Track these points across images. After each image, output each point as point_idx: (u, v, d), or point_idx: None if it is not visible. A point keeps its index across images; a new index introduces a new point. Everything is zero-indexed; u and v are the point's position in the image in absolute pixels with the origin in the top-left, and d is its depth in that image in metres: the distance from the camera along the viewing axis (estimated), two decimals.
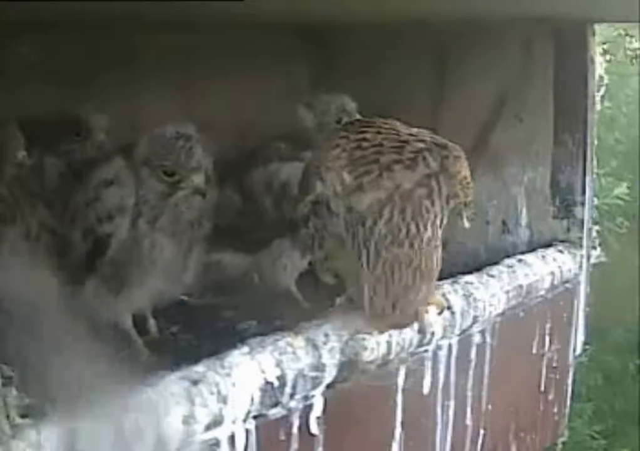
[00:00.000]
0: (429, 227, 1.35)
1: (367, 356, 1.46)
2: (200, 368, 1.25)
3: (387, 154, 1.40)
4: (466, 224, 1.53)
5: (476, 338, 1.75)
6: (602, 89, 2.45)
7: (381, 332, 1.44)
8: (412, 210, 1.34)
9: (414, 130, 1.48)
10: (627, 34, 4.84)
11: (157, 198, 1.56)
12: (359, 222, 1.34)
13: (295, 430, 1.36)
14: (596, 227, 2.31)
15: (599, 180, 3.72)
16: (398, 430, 1.57)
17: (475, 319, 1.72)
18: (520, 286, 1.86)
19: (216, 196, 1.66)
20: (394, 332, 1.50)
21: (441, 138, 1.48)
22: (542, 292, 1.96)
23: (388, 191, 1.35)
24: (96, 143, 1.82)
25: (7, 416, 1.04)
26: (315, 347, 1.40)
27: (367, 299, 1.33)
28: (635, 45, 4.93)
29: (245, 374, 1.28)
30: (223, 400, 1.23)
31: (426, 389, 1.63)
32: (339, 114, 1.87)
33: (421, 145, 1.42)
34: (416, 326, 1.53)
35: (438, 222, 1.37)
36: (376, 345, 1.47)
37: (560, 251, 2.07)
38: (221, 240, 1.76)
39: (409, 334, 1.55)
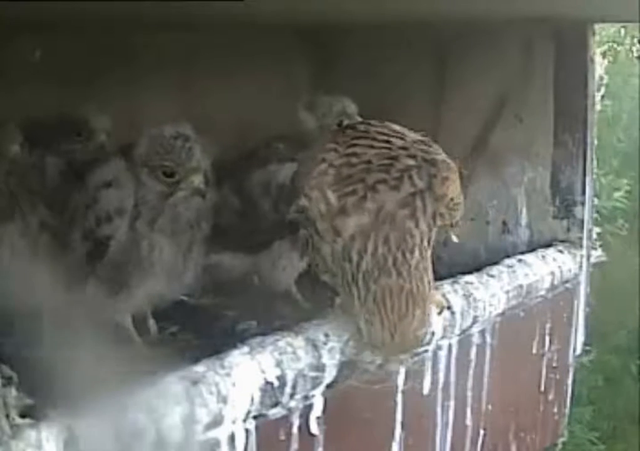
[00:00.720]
0: (415, 251, 1.35)
1: (367, 356, 1.46)
2: (200, 368, 1.25)
3: (374, 172, 1.39)
4: (455, 239, 1.53)
5: (476, 338, 1.75)
6: (603, 89, 2.46)
7: (386, 360, 1.42)
8: (396, 236, 1.34)
9: (410, 138, 1.47)
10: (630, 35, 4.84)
11: (156, 198, 1.56)
12: (345, 257, 1.35)
13: (295, 430, 1.36)
14: (596, 228, 2.31)
15: (599, 180, 3.72)
16: (398, 430, 1.57)
17: (475, 319, 1.72)
18: (520, 286, 1.86)
19: (215, 197, 1.66)
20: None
21: (436, 151, 1.47)
22: (542, 292, 1.95)
23: (371, 215, 1.35)
24: (97, 143, 1.82)
25: (7, 416, 1.04)
26: (315, 347, 1.40)
27: (366, 331, 1.35)
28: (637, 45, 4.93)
29: (245, 374, 1.28)
30: (223, 400, 1.23)
31: (426, 390, 1.63)
32: (339, 117, 1.87)
33: (410, 162, 1.41)
34: None
35: (426, 242, 1.37)
36: None
37: (560, 251, 2.07)
38: (221, 241, 1.76)
39: None
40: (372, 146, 1.44)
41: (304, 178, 1.44)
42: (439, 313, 1.59)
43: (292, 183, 1.53)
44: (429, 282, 1.37)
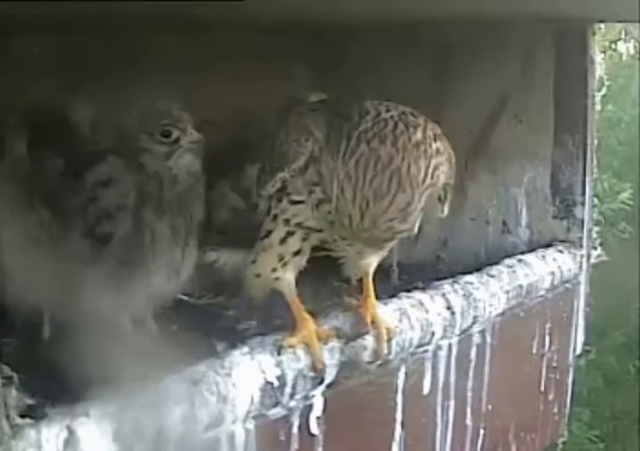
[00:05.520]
0: (419, 131, 1.24)
1: (367, 356, 1.46)
2: (200, 368, 1.25)
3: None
4: (445, 211, 1.42)
5: (476, 338, 1.75)
6: (603, 89, 2.46)
7: (359, 242, 1.26)
8: (401, 109, 1.26)
9: None
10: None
11: (159, 163, 1.58)
12: (345, 118, 1.25)
13: (295, 430, 1.36)
14: (596, 228, 2.31)
15: (602, 183, 3.73)
16: (398, 430, 1.57)
17: (475, 319, 1.72)
18: (520, 286, 1.86)
19: (212, 193, 1.68)
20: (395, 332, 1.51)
21: None
22: (542, 292, 1.96)
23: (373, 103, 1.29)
24: (95, 140, 1.82)
25: (7, 416, 1.04)
26: None
27: (335, 200, 1.20)
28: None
29: (245, 374, 1.28)
30: (223, 400, 1.23)
31: (426, 389, 1.63)
32: None
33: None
34: (370, 352, 1.46)
35: (431, 133, 1.26)
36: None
37: (560, 251, 2.07)
38: (219, 239, 1.76)
39: (409, 334, 1.55)
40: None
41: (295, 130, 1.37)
42: (388, 340, 1.49)
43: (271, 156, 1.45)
44: (425, 174, 1.21)
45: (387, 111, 1.26)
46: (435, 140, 1.28)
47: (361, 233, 1.20)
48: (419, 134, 1.23)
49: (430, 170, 1.22)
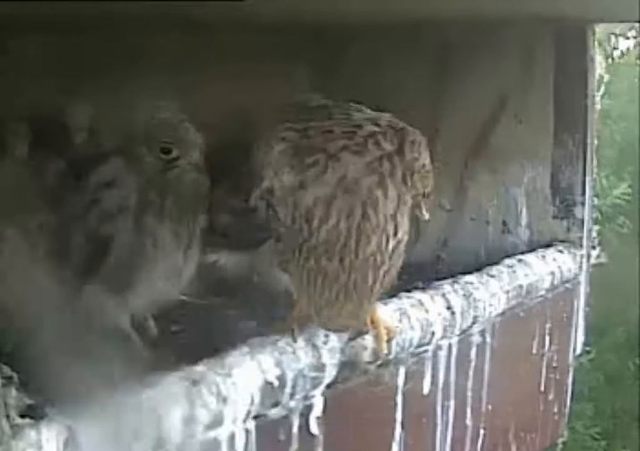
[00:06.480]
0: (373, 240, 1.25)
1: (367, 356, 1.46)
2: (200, 368, 1.25)
3: (336, 140, 1.30)
4: (426, 216, 1.42)
5: (476, 338, 1.75)
6: (602, 88, 2.46)
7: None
8: (360, 210, 1.25)
9: (373, 113, 1.40)
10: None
11: (155, 178, 1.57)
12: (304, 218, 1.27)
13: (295, 429, 1.36)
14: (596, 227, 2.31)
15: (600, 181, 3.72)
16: (398, 430, 1.57)
17: (475, 319, 1.72)
18: (520, 286, 1.86)
19: (212, 194, 1.67)
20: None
21: (401, 122, 1.39)
22: (542, 292, 1.96)
23: (333, 186, 1.26)
24: (96, 141, 1.82)
25: (7, 416, 1.04)
26: (315, 347, 1.40)
27: (297, 300, 1.35)
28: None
29: (245, 374, 1.28)
30: (223, 400, 1.23)
31: (426, 390, 1.63)
32: None
33: (375, 129, 1.33)
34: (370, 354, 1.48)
35: (391, 210, 1.26)
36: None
37: (560, 251, 2.07)
38: (218, 240, 1.76)
39: (409, 334, 1.55)
40: (331, 118, 1.36)
41: (263, 160, 1.40)
42: (388, 340, 1.50)
43: (250, 168, 1.48)
44: (374, 283, 1.25)
45: (348, 215, 1.25)
46: (396, 225, 1.28)
47: (323, 325, 1.34)
48: (372, 244, 1.25)
49: (380, 279, 1.26)
